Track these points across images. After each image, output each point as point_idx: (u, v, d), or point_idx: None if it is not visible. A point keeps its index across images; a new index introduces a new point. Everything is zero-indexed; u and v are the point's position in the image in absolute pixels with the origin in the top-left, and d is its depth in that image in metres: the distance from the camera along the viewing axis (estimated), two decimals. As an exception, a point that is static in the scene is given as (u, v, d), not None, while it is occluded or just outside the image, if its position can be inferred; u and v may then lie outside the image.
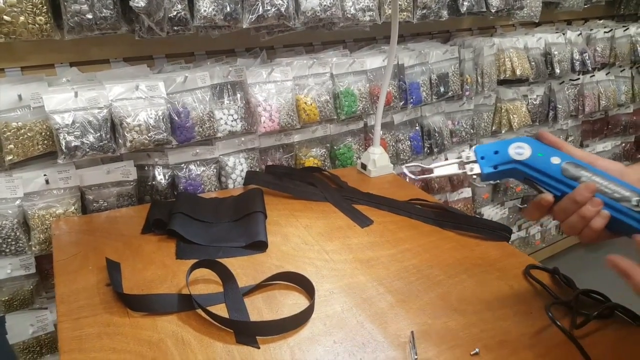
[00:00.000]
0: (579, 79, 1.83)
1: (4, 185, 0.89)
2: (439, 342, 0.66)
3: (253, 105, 1.10)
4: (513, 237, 2.04)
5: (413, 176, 0.75)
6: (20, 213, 0.93)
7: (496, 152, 0.63)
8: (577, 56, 1.74)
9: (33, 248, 0.94)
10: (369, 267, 0.83)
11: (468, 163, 0.66)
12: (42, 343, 1.06)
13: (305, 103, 1.17)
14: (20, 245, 0.93)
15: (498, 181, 1.72)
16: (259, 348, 0.64)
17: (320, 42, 1.32)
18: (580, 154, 0.61)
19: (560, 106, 1.77)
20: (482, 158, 0.64)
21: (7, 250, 0.92)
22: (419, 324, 0.69)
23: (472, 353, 0.64)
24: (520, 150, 0.62)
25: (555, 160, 0.60)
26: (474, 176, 0.66)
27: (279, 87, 1.12)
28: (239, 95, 1.09)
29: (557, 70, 1.68)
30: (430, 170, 0.70)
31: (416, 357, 0.62)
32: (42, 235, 0.94)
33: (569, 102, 1.81)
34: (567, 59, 1.71)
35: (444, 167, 0.69)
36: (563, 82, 1.78)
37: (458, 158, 0.67)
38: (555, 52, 1.67)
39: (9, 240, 0.92)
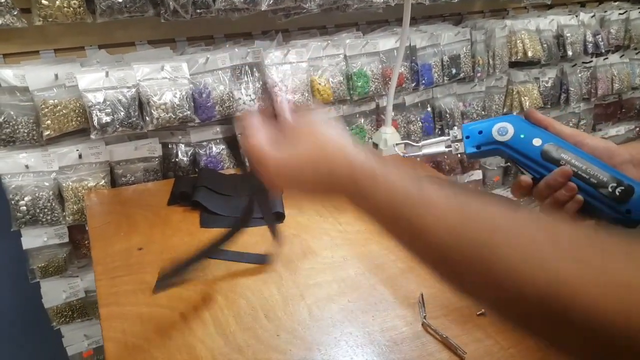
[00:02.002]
0: (591, 61, 1.83)
1: (41, 159, 0.96)
2: (447, 304, 0.71)
3: (269, 85, 1.15)
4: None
5: (402, 153, 0.77)
6: (56, 185, 0.99)
7: (480, 132, 0.63)
8: (590, 38, 1.74)
9: (67, 218, 1.01)
10: (381, 237, 0.85)
11: (455, 142, 0.66)
12: (74, 308, 1.14)
13: (320, 84, 1.21)
14: (55, 215, 1.00)
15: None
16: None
17: (334, 24, 1.35)
18: (569, 133, 0.61)
19: (572, 89, 1.78)
20: (467, 137, 0.64)
21: (44, 219, 0.99)
22: (428, 288, 0.74)
23: (478, 313, 0.69)
24: (504, 131, 0.62)
25: (537, 142, 0.60)
26: (459, 155, 0.67)
27: (294, 68, 1.17)
28: (256, 76, 1.14)
29: (570, 53, 1.69)
30: (418, 148, 0.72)
31: (425, 314, 0.68)
32: (75, 207, 1.00)
33: (582, 85, 1.82)
34: (579, 41, 1.72)
35: (431, 145, 0.70)
36: (575, 64, 1.79)
37: (446, 136, 0.68)
38: (568, 34, 1.68)
39: (46, 210, 0.99)
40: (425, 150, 0.71)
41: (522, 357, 0.61)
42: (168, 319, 0.66)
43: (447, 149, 0.68)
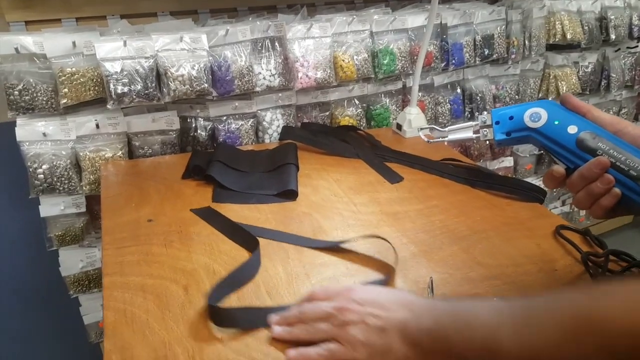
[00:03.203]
0: (637, 46, 1.72)
1: (59, 127, 0.97)
2: (458, 290, 0.67)
3: (291, 60, 1.12)
4: (556, 211, 1.99)
5: (427, 139, 0.73)
6: (73, 154, 1.00)
7: (511, 118, 0.60)
8: (636, 21, 1.63)
9: (84, 188, 1.02)
10: (395, 219, 0.84)
11: (483, 127, 0.63)
12: (90, 278, 1.16)
13: (343, 60, 1.17)
14: (73, 184, 1.01)
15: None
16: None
17: None
18: (609, 120, 0.57)
19: (614, 75, 1.68)
20: (497, 123, 0.61)
21: (61, 188, 1.00)
22: (439, 273, 0.71)
23: (490, 302, 0.65)
24: (536, 117, 0.58)
25: (572, 129, 0.56)
26: (487, 142, 0.63)
27: (317, 43, 1.13)
28: (278, 51, 1.11)
29: (613, 36, 1.58)
30: (445, 134, 0.68)
31: (433, 300, 0.64)
32: (92, 177, 1.01)
33: (625, 72, 1.71)
34: (624, 24, 1.61)
35: (458, 130, 0.66)
36: (619, 49, 1.68)
37: (475, 122, 0.64)
38: (612, 17, 1.57)
39: (63, 179, 0.99)
40: (452, 136, 0.67)
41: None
42: (170, 291, 0.65)
43: (474, 135, 0.65)
